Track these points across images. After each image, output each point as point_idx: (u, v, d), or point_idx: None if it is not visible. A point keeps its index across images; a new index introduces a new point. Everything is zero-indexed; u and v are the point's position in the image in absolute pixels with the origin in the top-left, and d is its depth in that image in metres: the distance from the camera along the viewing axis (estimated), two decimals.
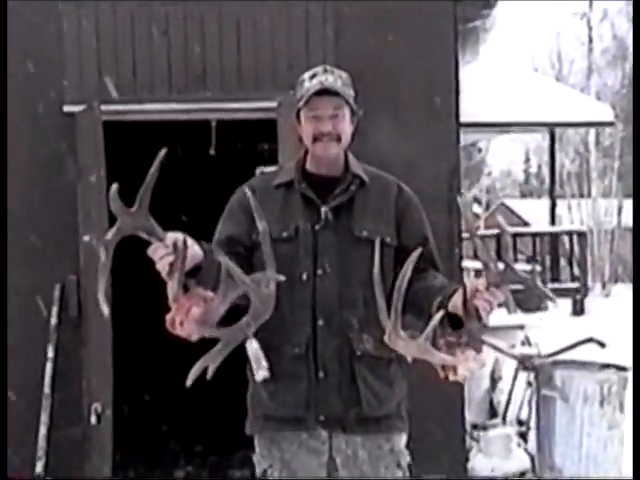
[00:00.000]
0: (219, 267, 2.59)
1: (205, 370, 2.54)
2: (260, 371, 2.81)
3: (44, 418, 5.25)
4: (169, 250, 2.57)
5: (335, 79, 2.99)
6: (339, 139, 2.99)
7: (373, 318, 2.80)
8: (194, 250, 2.66)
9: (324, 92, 2.95)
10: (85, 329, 5.33)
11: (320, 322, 2.96)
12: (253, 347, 2.79)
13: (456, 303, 2.76)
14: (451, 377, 2.68)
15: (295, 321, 2.97)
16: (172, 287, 2.61)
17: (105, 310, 2.63)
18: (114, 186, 2.48)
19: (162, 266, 2.60)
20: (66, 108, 5.47)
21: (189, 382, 2.48)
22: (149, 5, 5.62)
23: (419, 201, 3.17)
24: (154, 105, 5.58)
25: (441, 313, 2.61)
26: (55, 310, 5.42)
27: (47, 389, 5.29)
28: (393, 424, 3.09)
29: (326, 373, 2.96)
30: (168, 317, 2.64)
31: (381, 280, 2.64)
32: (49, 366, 5.32)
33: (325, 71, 3.01)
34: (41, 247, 5.42)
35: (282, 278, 2.62)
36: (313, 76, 2.99)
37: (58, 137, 5.47)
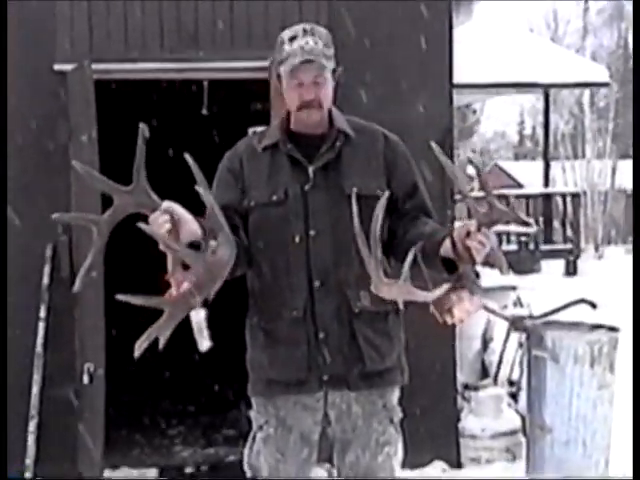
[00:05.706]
0: None
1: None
2: (203, 342, 2.80)
3: (36, 377, 5.28)
4: (167, 218, 2.59)
5: (315, 41, 2.91)
6: (321, 106, 2.97)
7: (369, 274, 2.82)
8: (193, 226, 2.66)
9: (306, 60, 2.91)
10: None
11: (316, 283, 2.96)
12: (198, 317, 2.77)
13: (447, 247, 2.76)
14: (449, 320, 2.68)
15: (291, 284, 2.96)
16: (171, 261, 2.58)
17: (77, 285, 2.62)
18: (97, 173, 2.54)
19: (160, 230, 2.59)
20: (57, 66, 5.41)
21: (137, 354, 2.44)
22: None
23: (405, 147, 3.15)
24: (146, 64, 5.52)
25: (412, 252, 2.60)
26: (47, 270, 5.43)
27: (39, 349, 5.31)
28: (394, 377, 3.11)
29: (326, 334, 2.97)
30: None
31: (362, 230, 2.63)
32: (41, 326, 5.34)
33: (305, 33, 2.92)
34: (33, 207, 5.39)
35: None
36: (293, 38, 2.91)
37: (49, 96, 5.41)
